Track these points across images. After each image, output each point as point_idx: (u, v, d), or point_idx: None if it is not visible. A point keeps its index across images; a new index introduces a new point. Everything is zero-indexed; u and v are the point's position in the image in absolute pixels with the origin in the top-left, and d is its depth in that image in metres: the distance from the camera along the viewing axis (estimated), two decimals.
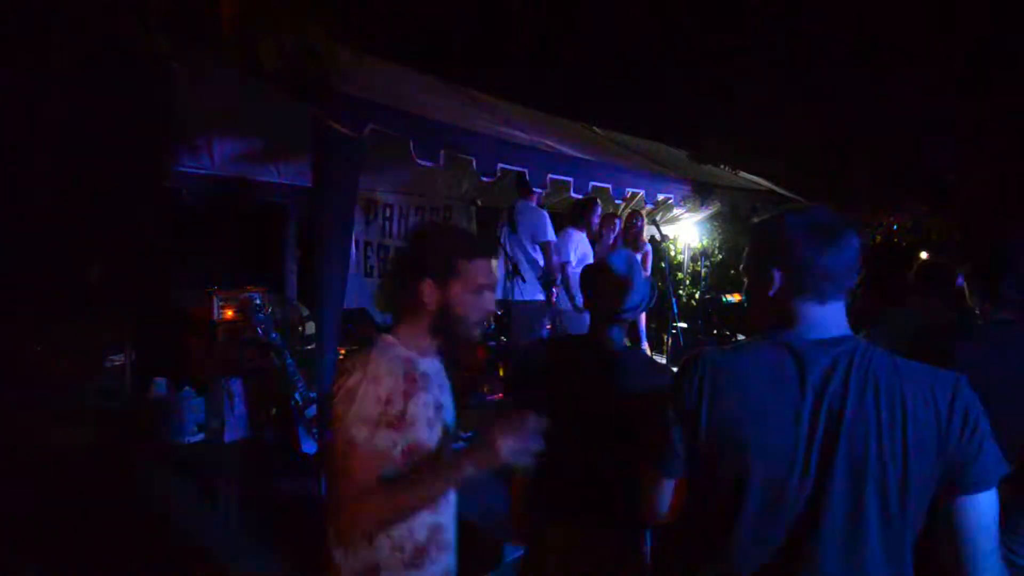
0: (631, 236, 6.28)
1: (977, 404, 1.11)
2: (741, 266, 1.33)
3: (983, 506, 1.08)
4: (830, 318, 1.19)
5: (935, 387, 1.11)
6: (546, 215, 4.83)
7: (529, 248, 4.75)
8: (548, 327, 5.50)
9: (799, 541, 1.12)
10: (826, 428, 1.12)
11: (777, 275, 1.22)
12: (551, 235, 4.82)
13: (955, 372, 1.14)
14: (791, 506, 1.13)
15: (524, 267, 4.70)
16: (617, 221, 6.28)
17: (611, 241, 6.01)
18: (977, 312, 2.10)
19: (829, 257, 1.16)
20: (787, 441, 1.13)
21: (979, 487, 1.08)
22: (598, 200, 5.35)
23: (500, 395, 5.14)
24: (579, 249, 5.35)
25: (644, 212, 6.56)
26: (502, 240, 4.75)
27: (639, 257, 6.11)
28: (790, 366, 1.16)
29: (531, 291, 4.72)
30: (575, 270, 5.00)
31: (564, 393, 1.82)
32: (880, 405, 1.10)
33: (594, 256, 5.37)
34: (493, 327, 6.30)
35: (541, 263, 4.83)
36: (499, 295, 4.84)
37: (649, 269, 6.61)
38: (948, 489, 1.09)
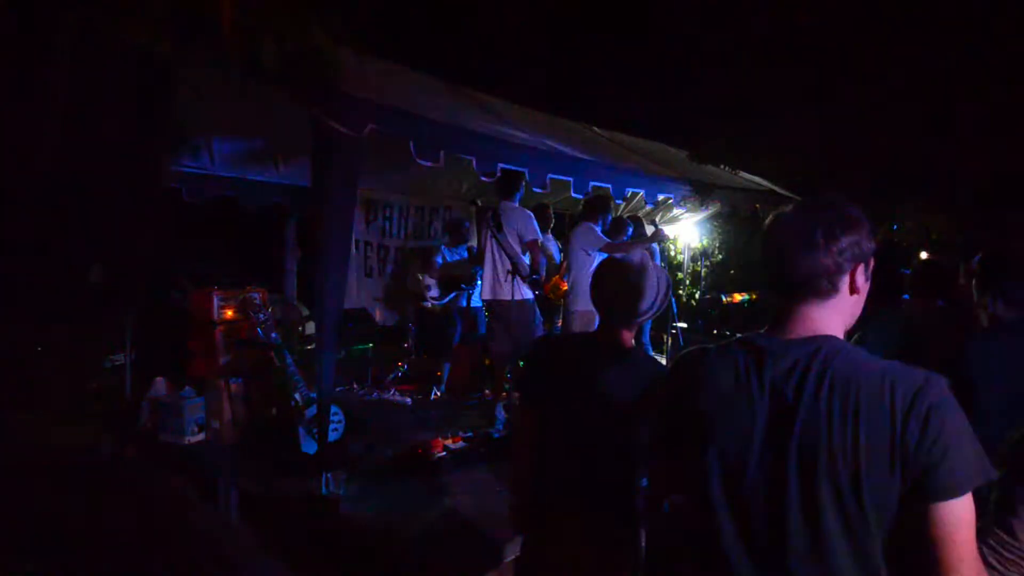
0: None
1: (946, 407, 1.05)
2: None
3: (953, 514, 1.03)
4: (801, 318, 1.19)
5: (896, 388, 1.07)
6: (531, 215, 4.82)
7: (516, 247, 4.74)
8: (542, 325, 5.48)
9: (768, 539, 1.13)
10: (780, 428, 1.12)
11: (764, 274, 1.26)
12: (538, 234, 4.80)
13: (927, 373, 1.09)
14: (754, 504, 1.15)
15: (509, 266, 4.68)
16: (628, 223, 6.21)
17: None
18: (987, 311, 2.11)
19: (794, 256, 1.17)
20: (742, 439, 1.16)
21: (945, 495, 1.03)
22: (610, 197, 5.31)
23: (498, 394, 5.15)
24: (600, 244, 5.34)
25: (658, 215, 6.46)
26: (487, 240, 4.74)
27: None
28: (752, 365, 1.18)
29: (523, 290, 4.71)
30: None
31: (567, 389, 1.84)
32: (833, 405, 1.09)
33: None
34: (485, 328, 6.31)
35: (527, 262, 4.80)
36: (488, 295, 4.82)
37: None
38: (913, 495, 1.05)
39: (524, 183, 4.49)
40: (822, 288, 1.17)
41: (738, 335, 1.27)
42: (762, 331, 1.24)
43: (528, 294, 4.75)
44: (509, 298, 4.69)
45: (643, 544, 1.84)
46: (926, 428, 1.04)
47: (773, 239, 1.21)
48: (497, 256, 4.71)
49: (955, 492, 1.03)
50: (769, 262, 1.23)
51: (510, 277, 4.64)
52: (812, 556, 1.09)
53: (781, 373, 1.15)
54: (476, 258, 6.15)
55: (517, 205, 4.83)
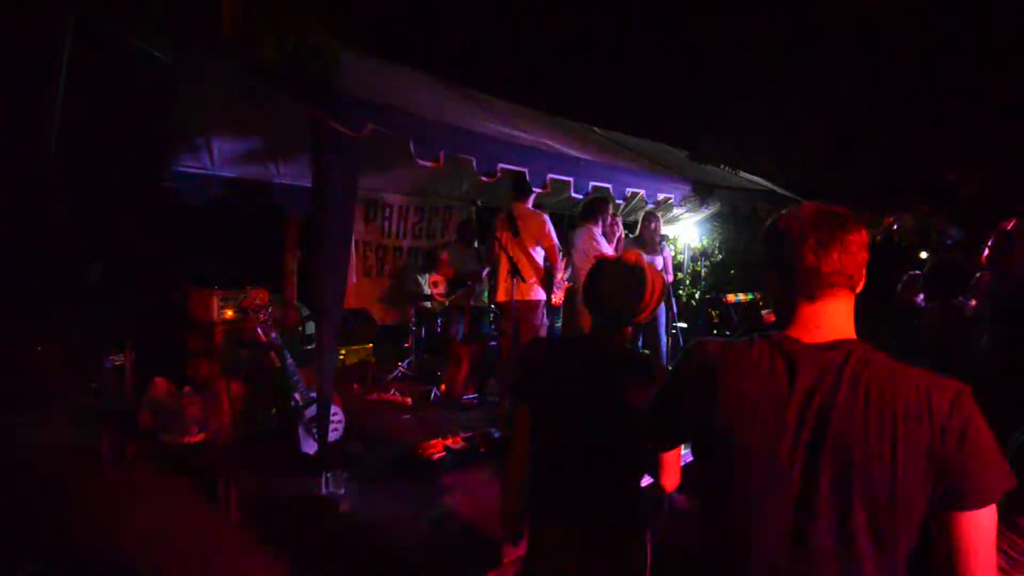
0: (647, 237, 6.15)
1: (979, 416, 1.07)
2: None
3: (980, 523, 1.05)
4: (824, 319, 1.17)
5: (931, 396, 1.07)
6: (548, 218, 4.84)
7: (532, 251, 4.76)
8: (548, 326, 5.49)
9: (792, 546, 1.11)
10: (812, 435, 1.11)
11: (772, 275, 1.23)
12: (555, 238, 4.83)
13: (957, 383, 1.10)
14: (779, 510, 1.12)
15: (525, 269, 4.70)
16: (617, 221, 6.24)
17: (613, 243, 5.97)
18: (971, 306, 2.14)
19: (815, 256, 1.14)
20: (770, 444, 1.13)
21: (976, 504, 1.04)
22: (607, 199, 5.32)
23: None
24: (604, 246, 5.37)
25: (659, 213, 6.43)
26: (504, 242, 4.74)
27: (659, 260, 6.04)
28: (781, 369, 1.15)
29: (533, 291, 4.75)
30: None
31: (563, 393, 1.82)
32: (869, 413, 1.08)
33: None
34: (494, 327, 6.30)
35: (543, 265, 4.84)
36: (503, 297, 4.83)
37: (671, 273, 6.54)
38: (943, 503, 1.06)
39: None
40: (848, 286, 1.17)
41: (755, 334, 1.23)
42: (783, 332, 1.20)
43: (543, 295, 4.79)
44: (527, 299, 4.70)
45: (649, 545, 1.83)
46: (963, 439, 1.05)
47: (792, 236, 1.17)
48: (515, 259, 4.70)
49: (983, 502, 1.05)
50: (788, 259, 1.18)
51: (531, 280, 4.67)
52: (838, 563, 1.08)
53: (812, 379, 1.13)
54: (488, 260, 6.14)
55: (532, 208, 4.84)
